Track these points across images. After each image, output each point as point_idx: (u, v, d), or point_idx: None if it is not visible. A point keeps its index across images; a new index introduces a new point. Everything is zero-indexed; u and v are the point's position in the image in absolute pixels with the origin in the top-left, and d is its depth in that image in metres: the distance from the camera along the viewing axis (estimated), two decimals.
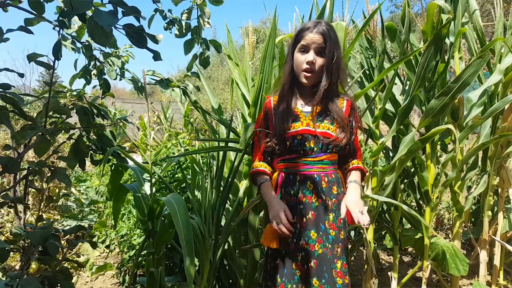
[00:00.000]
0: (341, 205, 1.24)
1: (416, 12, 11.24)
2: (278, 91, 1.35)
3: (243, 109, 1.82)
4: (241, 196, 1.68)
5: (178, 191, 2.15)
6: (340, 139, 1.25)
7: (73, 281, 1.78)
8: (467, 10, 1.89)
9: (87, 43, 1.41)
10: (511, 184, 1.93)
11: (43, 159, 1.19)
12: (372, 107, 1.99)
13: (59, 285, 1.14)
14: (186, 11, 1.46)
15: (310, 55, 1.23)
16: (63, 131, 1.30)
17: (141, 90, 1.64)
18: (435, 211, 1.94)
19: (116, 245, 2.56)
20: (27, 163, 1.10)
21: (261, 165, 1.34)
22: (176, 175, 2.21)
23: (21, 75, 1.12)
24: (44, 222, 1.27)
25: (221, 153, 1.60)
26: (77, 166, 1.34)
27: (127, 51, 1.68)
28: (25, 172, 1.24)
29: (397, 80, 2.12)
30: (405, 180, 2.17)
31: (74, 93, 1.49)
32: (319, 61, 1.24)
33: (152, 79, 1.69)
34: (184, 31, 1.48)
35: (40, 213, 1.28)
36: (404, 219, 2.43)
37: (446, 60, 1.83)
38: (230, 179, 1.51)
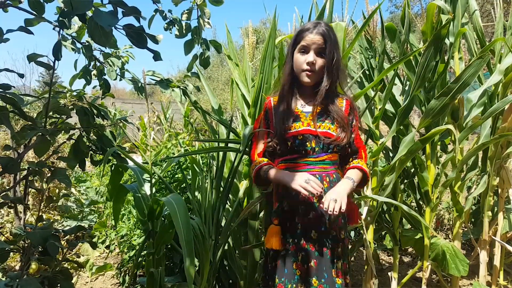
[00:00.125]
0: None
1: (416, 12, 11.25)
2: (278, 92, 1.35)
3: (243, 110, 1.82)
4: (241, 197, 1.68)
5: (178, 191, 2.15)
6: (341, 138, 1.25)
7: (73, 281, 1.78)
8: (466, 11, 1.89)
9: (87, 43, 1.41)
10: (511, 185, 1.93)
11: (43, 159, 1.19)
12: (372, 108, 2.00)
13: (59, 285, 1.14)
14: (186, 11, 1.46)
15: (310, 56, 1.23)
16: (63, 131, 1.30)
17: (141, 90, 1.64)
18: (435, 211, 1.94)
19: (116, 245, 2.56)
20: (27, 163, 1.10)
21: (263, 160, 1.33)
22: (176, 176, 2.21)
23: (21, 76, 1.12)
24: (44, 222, 1.27)
25: (221, 153, 1.60)
26: (77, 166, 1.33)
27: (127, 51, 1.68)
28: (25, 172, 1.24)
29: (397, 81, 2.12)
30: (405, 181, 2.17)
31: (74, 93, 1.48)
32: (319, 61, 1.24)
33: (152, 79, 1.69)
34: (184, 31, 1.48)
35: (40, 214, 1.28)
36: (404, 219, 2.43)
37: (446, 60, 1.83)
38: (230, 180, 1.51)
